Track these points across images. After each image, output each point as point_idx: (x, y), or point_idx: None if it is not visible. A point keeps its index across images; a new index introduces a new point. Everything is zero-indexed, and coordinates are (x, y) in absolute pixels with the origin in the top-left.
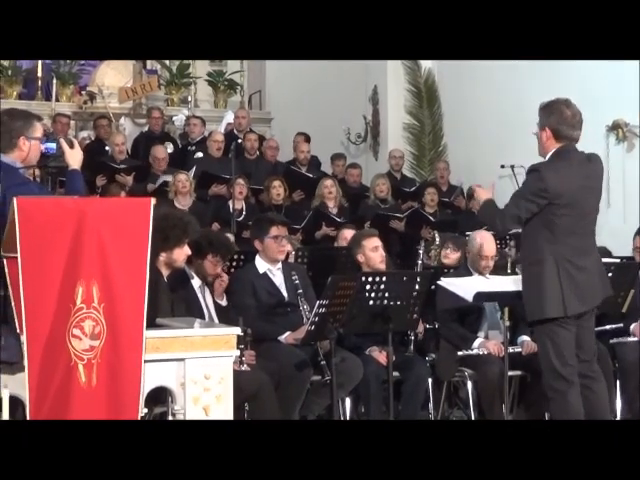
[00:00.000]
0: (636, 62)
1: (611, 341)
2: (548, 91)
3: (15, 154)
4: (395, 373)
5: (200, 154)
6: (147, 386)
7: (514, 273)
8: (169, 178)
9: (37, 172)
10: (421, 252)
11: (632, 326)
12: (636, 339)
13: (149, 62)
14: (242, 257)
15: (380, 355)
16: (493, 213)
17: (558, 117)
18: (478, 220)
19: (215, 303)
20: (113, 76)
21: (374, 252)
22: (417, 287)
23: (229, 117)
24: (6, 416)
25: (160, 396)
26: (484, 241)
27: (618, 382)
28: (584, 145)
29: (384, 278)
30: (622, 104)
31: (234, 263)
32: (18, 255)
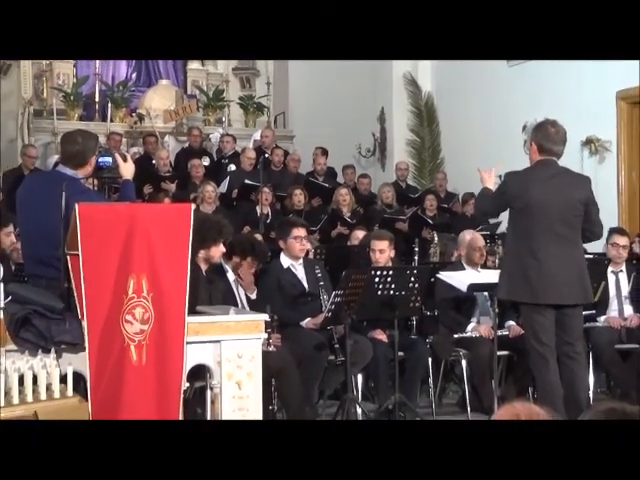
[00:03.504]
0: (614, 83)
1: (584, 325)
2: (533, 110)
3: (82, 170)
4: (400, 353)
5: (233, 166)
6: (189, 364)
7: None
8: None
9: (95, 182)
10: (417, 249)
11: (603, 317)
12: (606, 324)
13: (189, 87)
14: (269, 254)
15: (381, 334)
16: (479, 202)
17: (543, 133)
18: (470, 222)
19: (246, 296)
20: (158, 100)
21: (373, 254)
22: (419, 280)
23: (256, 135)
24: (70, 389)
25: (200, 372)
26: (473, 236)
27: (591, 361)
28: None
29: (391, 272)
30: (597, 122)
31: None
32: (79, 253)
